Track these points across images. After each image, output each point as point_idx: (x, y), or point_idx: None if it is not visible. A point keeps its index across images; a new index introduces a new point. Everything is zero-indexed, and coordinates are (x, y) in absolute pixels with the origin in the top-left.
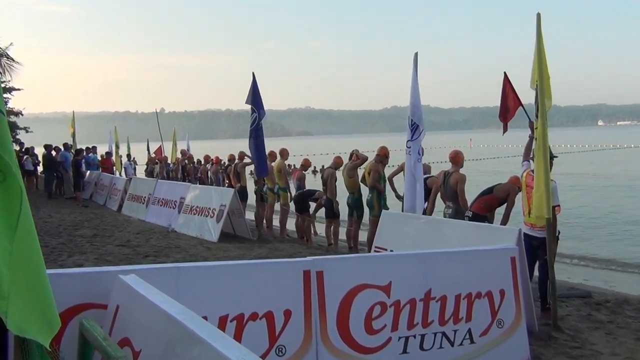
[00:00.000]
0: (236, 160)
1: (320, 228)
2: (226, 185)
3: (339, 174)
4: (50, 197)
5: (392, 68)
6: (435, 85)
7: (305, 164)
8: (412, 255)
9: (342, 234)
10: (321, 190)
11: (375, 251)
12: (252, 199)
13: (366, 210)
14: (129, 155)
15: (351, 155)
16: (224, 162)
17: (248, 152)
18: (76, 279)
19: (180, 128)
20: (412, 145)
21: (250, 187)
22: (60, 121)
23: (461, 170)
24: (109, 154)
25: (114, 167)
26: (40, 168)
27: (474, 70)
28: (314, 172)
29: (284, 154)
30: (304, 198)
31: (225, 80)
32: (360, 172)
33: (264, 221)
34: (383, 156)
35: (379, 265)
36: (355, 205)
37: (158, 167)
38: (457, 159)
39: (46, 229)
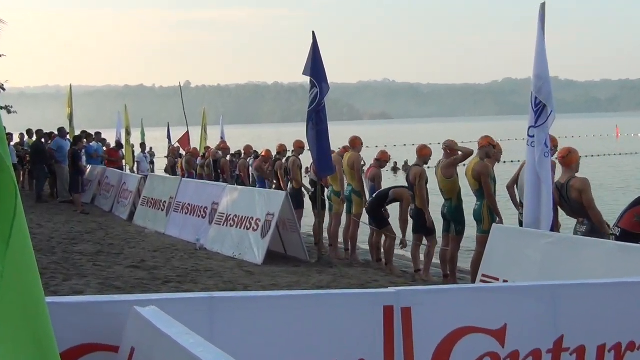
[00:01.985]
0: (289, 154)
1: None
2: (274, 187)
3: (431, 173)
4: (39, 200)
5: (504, 25)
6: (566, 48)
7: (382, 159)
8: (536, 288)
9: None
10: (400, 188)
11: (482, 281)
12: (309, 206)
13: (468, 223)
14: (143, 145)
15: (449, 149)
16: (274, 156)
17: (306, 142)
18: (77, 311)
19: (211, 108)
20: (537, 134)
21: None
22: (52, 98)
23: (581, 172)
24: (117, 143)
25: (124, 161)
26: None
27: (624, 27)
28: (395, 169)
29: (357, 143)
30: (380, 203)
31: (273, 44)
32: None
33: (326, 237)
34: (383, 161)
35: (489, 301)
36: (453, 216)
37: (183, 161)
38: (568, 160)
39: (34, 242)
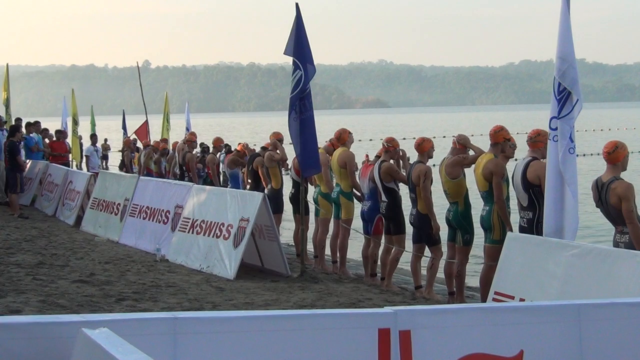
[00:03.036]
0: (268, 149)
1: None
2: (248, 187)
3: (435, 172)
4: None
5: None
6: (594, 27)
7: (393, 147)
8: (559, 308)
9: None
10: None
11: (494, 300)
12: (291, 210)
13: (476, 231)
14: (93, 137)
15: (460, 144)
16: (252, 149)
17: (286, 134)
18: (13, 333)
19: (175, 93)
20: (561, 126)
21: (288, 190)
22: None
23: (623, 175)
24: (61, 133)
25: (70, 156)
26: None
27: None
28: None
29: (345, 137)
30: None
31: (248, 18)
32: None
33: (311, 247)
34: (393, 151)
35: (502, 324)
36: (459, 223)
37: (141, 155)
38: (615, 156)
39: None
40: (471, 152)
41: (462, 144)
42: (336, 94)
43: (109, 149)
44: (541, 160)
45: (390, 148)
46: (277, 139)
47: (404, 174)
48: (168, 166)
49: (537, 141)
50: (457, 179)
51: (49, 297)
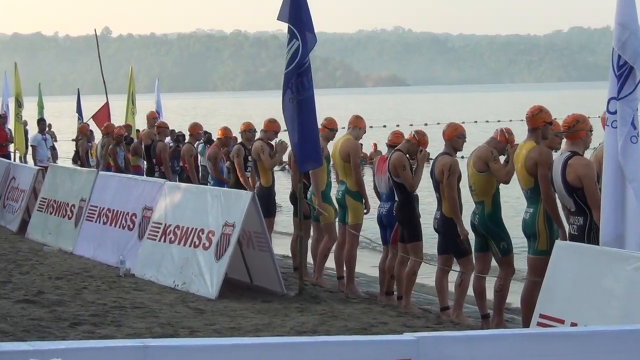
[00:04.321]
0: (255, 138)
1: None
2: (229, 183)
3: (462, 166)
4: None
5: None
6: None
7: (395, 142)
8: (619, 335)
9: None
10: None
11: (540, 324)
12: (287, 212)
13: (515, 239)
14: (41, 122)
15: (505, 136)
16: (235, 139)
17: (281, 121)
18: None
19: (142, 68)
20: (621, 109)
21: (283, 189)
22: None
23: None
24: (2, 118)
25: (12, 146)
26: None
27: None
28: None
29: (358, 123)
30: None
31: None
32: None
33: (311, 260)
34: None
35: (550, 354)
36: (487, 228)
37: (99, 145)
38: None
39: None
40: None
41: (507, 136)
42: (342, 69)
43: (55, 139)
44: (582, 155)
45: (413, 140)
46: (247, 129)
47: (414, 176)
48: (136, 159)
49: (577, 130)
50: (485, 172)
51: None
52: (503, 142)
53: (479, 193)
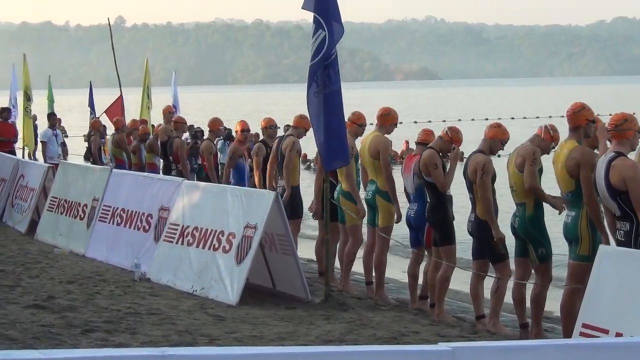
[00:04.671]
0: (278, 134)
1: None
2: (252, 182)
3: (498, 165)
4: None
5: None
6: None
7: (426, 139)
8: None
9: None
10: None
11: (582, 335)
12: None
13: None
14: (52, 117)
15: (550, 134)
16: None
17: (306, 116)
18: None
19: (158, 60)
20: None
21: (307, 189)
22: None
23: None
24: (4, 111)
25: (22, 141)
26: None
27: None
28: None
29: (388, 121)
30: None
31: None
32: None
33: (336, 263)
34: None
35: None
36: (527, 232)
37: (110, 141)
38: None
39: None
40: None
41: (551, 137)
42: (370, 61)
43: (65, 134)
44: (627, 156)
45: (446, 137)
46: (269, 125)
47: (446, 175)
48: (151, 156)
49: (625, 129)
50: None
51: None
52: (548, 140)
53: (520, 194)
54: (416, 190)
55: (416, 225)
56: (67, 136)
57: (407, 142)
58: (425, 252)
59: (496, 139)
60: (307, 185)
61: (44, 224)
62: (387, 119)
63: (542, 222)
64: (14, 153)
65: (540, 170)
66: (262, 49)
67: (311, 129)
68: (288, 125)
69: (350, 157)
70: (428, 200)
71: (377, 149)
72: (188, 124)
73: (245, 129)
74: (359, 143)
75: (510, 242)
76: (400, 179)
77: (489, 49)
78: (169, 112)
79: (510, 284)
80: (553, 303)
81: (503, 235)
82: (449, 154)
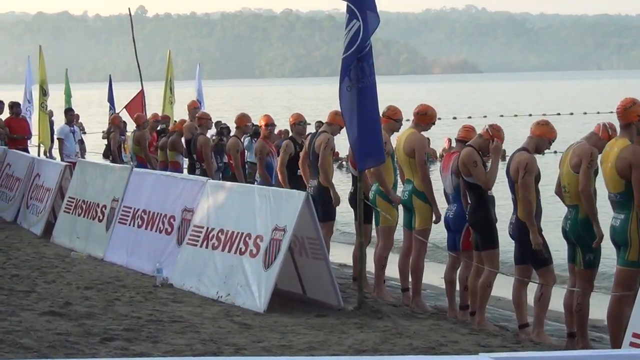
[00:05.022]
0: (308, 131)
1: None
2: (278, 181)
3: (546, 164)
4: None
5: None
6: None
7: (466, 137)
8: None
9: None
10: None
11: (633, 345)
12: (344, 214)
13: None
14: (69, 113)
15: (608, 132)
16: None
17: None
18: None
19: (181, 52)
20: None
21: (342, 188)
22: None
23: None
24: (17, 106)
25: (38, 138)
26: None
27: None
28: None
29: (425, 119)
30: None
31: None
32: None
33: (371, 269)
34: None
35: None
36: (579, 236)
37: (131, 139)
38: None
39: None
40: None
41: (609, 136)
42: (407, 53)
43: (83, 130)
44: None
45: (487, 135)
46: (298, 121)
47: (488, 172)
48: (174, 154)
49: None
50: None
51: (7, 336)
52: (605, 139)
53: (573, 195)
54: (455, 190)
55: (455, 228)
56: (85, 133)
57: (449, 140)
58: (468, 257)
59: (544, 137)
60: (341, 185)
61: (61, 226)
62: (424, 119)
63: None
64: (27, 151)
65: (596, 172)
66: (291, 41)
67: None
68: (319, 122)
69: (385, 155)
70: (469, 201)
71: (412, 147)
72: (213, 120)
73: (269, 124)
74: (394, 140)
75: (556, 245)
76: (438, 179)
77: (533, 40)
78: (194, 108)
79: (561, 291)
80: (601, 311)
81: (541, 240)
82: (488, 154)
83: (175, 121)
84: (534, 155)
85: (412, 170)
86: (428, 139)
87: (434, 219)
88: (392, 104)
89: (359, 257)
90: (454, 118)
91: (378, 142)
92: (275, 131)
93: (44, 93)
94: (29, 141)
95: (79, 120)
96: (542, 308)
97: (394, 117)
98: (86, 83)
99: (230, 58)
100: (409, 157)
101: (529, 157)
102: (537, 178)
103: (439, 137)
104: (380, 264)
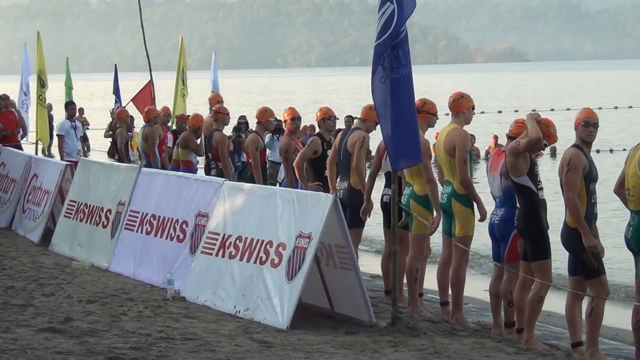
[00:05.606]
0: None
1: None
2: (307, 182)
3: (608, 162)
4: None
5: None
6: None
7: (518, 133)
8: None
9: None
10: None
11: None
12: (375, 222)
13: None
14: (70, 106)
15: None
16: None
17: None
18: None
19: (194, 39)
20: None
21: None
22: None
23: None
24: (4, 98)
25: (35, 135)
26: None
27: None
28: (554, 153)
29: (461, 105)
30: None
31: None
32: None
33: (404, 279)
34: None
35: None
36: None
37: (140, 135)
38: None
39: None
40: None
41: None
42: (446, 40)
43: (88, 126)
44: None
45: (542, 129)
46: (326, 116)
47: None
48: (185, 152)
49: None
50: None
51: (1, 355)
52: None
53: (637, 200)
54: (503, 193)
55: (500, 235)
56: (88, 128)
57: (495, 137)
58: (515, 268)
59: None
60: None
61: (61, 232)
62: (461, 104)
63: None
64: (20, 148)
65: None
66: (318, 26)
67: None
68: (350, 117)
69: (422, 154)
70: (518, 205)
71: (453, 145)
72: (239, 115)
73: (295, 117)
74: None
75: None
76: (480, 180)
77: (588, 26)
78: (216, 102)
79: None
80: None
81: (595, 242)
82: (541, 151)
83: (188, 116)
84: (579, 150)
85: (452, 171)
86: (473, 135)
87: (477, 219)
88: (426, 97)
89: (392, 267)
90: (499, 112)
91: (415, 138)
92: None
93: (42, 84)
94: (25, 139)
95: (83, 115)
96: (595, 325)
97: (432, 112)
98: (89, 73)
99: (250, 45)
100: (450, 155)
101: (574, 152)
102: (590, 177)
103: (485, 134)
104: (412, 275)
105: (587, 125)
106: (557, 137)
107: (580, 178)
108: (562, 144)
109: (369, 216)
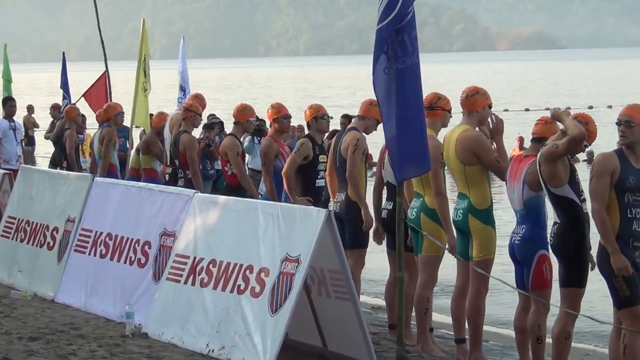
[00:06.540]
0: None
1: None
2: (295, 195)
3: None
4: None
5: None
6: None
7: (545, 135)
8: None
9: None
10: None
11: None
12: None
13: None
14: (9, 103)
15: None
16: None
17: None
18: None
19: (159, 22)
20: None
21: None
22: None
23: None
24: None
25: None
26: None
27: None
28: (591, 159)
29: (476, 102)
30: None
31: None
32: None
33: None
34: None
35: None
36: None
37: (96, 138)
38: None
39: None
40: None
41: None
42: (462, 23)
43: (36, 127)
44: None
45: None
46: (318, 115)
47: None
48: (148, 159)
49: None
50: None
51: None
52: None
53: None
54: (524, 206)
55: (523, 259)
56: (34, 129)
57: (521, 139)
58: (543, 296)
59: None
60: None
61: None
62: (475, 101)
63: None
64: None
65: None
66: (307, 6)
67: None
68: (346, 115)
69: (432, 161)
70: (557, 220)
71: (470, 150)
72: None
73: (283, 115)
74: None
75: None
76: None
77: (630, 7)
78: (196, 97)
79: None
80: None
81: (626, 263)
82: (577, 156)
83: (151, 115)
84: (609, 153)
85: (467, 182)
86: (485, 136)
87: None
88: (438, 92)
89: (398, 297)
90: (526, 110)
91: (423, 142)
92: None
93: None
94: None
95: (32, 114)
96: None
97: (447, 108)
98: (31, 63)
99: (225, 30)
100: (464, 163)
101: (600, 156)
102: (623, 186)
103: (508, 135)
104: (423, 307)
105: (618, 124)
106: (596, 135)
107: (607, 186)
108: (602, 149)
109: (383, 238)
